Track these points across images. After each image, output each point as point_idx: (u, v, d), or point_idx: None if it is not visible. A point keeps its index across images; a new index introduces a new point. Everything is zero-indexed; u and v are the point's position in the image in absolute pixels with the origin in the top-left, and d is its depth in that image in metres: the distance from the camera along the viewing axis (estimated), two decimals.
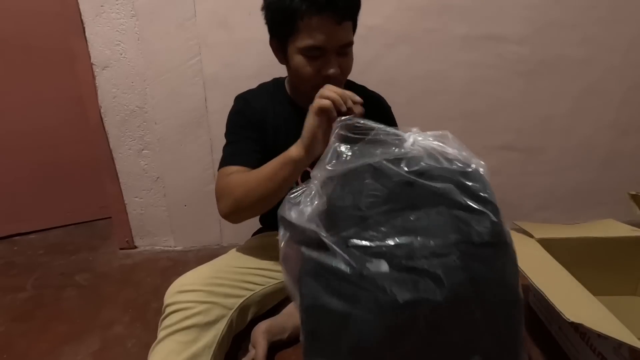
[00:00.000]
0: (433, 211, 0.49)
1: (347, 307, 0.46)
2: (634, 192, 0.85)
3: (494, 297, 0.48)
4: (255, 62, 1.18)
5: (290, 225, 0.53)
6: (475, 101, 1.28)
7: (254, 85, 0.90)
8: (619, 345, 0.57)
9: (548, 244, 0.85)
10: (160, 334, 0.63)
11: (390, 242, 0.46)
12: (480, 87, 1.26)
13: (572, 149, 1.35)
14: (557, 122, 1.31)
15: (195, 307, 0.63)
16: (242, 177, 0.72)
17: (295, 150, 0.67)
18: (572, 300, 0.64)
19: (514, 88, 1.27)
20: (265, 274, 0.77)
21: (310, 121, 0.65)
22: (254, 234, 0.96)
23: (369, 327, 0.45)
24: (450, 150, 0.55)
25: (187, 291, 0.65)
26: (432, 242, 0.46)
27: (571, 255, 0.84)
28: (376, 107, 0.89)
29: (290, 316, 0.73)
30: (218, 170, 0.79)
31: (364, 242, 0.47)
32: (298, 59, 0.72)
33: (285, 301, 0.80)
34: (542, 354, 0.77)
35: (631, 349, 0.54)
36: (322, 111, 0.63)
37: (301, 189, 0.55)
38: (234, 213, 0.73)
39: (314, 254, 0.49)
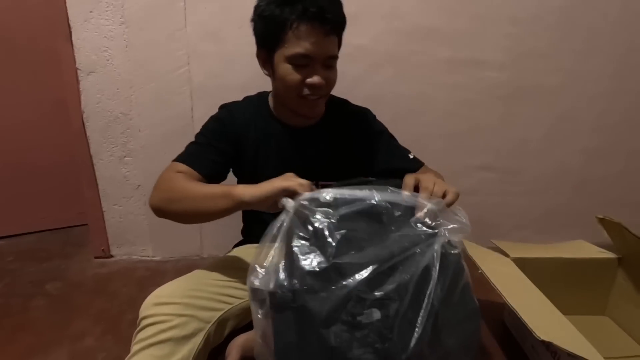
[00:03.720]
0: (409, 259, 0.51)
1: None
2: (601, 216, 0.89)
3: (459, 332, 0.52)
4: (244, 74, 1.19)
5: (260, 295, 0.52)
6: (457, 122, 1.33)
7: (241, 96, 0.91)
8: None
9: (522, 263, 0.88)
10: (134, 347, 0.61)
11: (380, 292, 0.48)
12: (461, 109, 1.31)
13: (547, 171, 1.40)
14: (533, 145, 1.37)
15: (171, 320, 0.61)
16: (185, 183, 0.71)
17: (241, 192, 0.63)
18: (544, 319, 0.66)
19: (493, 111, 1.32)
20: (246, 287, 0.76)
21: (268, 190, 0.60)
22: (235, 245, 0.96)
23: None
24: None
25: (164, 303, 0.63)
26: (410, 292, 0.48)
27: (544, 274, 0.87)
28: (359, 121, 0.90)
29: None
30: (172, 160, 0.78)
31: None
32: (284, 67, 0.73)
33: None
34: None
35: None
36: (285, 192, 0.59)
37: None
38: (159, 210, 0.72)
39: (291, 316, 0.49)
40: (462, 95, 1.30)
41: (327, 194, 0.54)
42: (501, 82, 1.29)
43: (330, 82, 0.77)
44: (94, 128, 1.26)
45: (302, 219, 0.53)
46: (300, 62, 0.72)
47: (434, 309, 0.48)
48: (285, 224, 0.54)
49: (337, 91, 0.94)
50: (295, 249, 0.51)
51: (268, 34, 0.74)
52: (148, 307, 0.64)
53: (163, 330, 0.61)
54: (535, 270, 0.86)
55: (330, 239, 0.50)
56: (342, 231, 0.50)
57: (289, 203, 0.56)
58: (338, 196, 0.53)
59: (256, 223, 0.95)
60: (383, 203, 0.53)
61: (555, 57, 1.28)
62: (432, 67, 1.26)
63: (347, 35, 1.20)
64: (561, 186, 1.42)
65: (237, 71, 1.20)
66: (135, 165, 1.30)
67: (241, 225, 1.00)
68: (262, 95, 0.89)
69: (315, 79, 0.73)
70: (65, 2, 1.14)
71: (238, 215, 0.99)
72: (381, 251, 0.50)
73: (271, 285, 0.51)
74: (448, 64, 1.26)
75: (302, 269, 0.49)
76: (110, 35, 1.17)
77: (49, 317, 1.06)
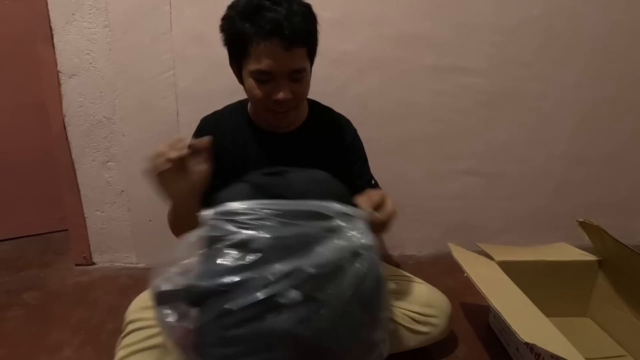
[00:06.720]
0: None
1: None
2: (581, 220, 0.91)
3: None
4: (230, 78, 1.15)
5: (171, 297, 0.52)
6: (441, 127, 1.35)
7: (227, 100, 0.91)
8: None
9: (507, 267, 0.90)
10: (119, 353, 0.60)
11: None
12: (445, 114, 1.33)
13: (529, 175, 1.43)
14: (515, 150, 1.40)
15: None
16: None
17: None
18: (527, 321, 0.67)
19: (476, 116, 1.35)
20: None
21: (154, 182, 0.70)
22: None
23: None
24: None
25: (151, 307, 0.62)
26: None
27: (528, 277, 0.89)
28: (340, 132, 0.90)
29: None
30: None
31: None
32: (250, 82, 0.73)
33: None
34: None
35: None
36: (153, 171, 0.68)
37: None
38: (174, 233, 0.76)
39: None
40: (446, 100, 1.32)
41: (239, 205, 0.53)
42: (484, 88, 1.31)
43: (298, 95, 0.74)
44: (75, 132, 1.23)
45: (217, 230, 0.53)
46: (263, 78, 0.71)
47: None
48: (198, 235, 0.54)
49: (323, 96, 0.95)
50: (209, 250, 0.51)
51: (232, 48, 0.74)
52: (135, 311, 0.62)
53: (151, 336, 0.59)
54: (519, 273, 0.88)
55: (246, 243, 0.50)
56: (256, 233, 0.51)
57: (204, 216, 0.55)
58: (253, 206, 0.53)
59: None
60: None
61: (535, 65, 1.31)
62: (417, 73, 1.28)
63: (334, 41, 1.22)
64: (543, 190, 1.45)
65: (223, 75, 1.17)
66: (119, 171, 1.27)
67: None
68: (242, 103, 0.88)
69: (279, 96, 0.71)
70: (46, 5, 1.11)
71: None
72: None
73: (184, 282, 0.50)
74: (432, 70, 1.28)
75: (217, 265, 0.50)
76: (94, 39, 1.15)
77: (25, 328, 1.02)
